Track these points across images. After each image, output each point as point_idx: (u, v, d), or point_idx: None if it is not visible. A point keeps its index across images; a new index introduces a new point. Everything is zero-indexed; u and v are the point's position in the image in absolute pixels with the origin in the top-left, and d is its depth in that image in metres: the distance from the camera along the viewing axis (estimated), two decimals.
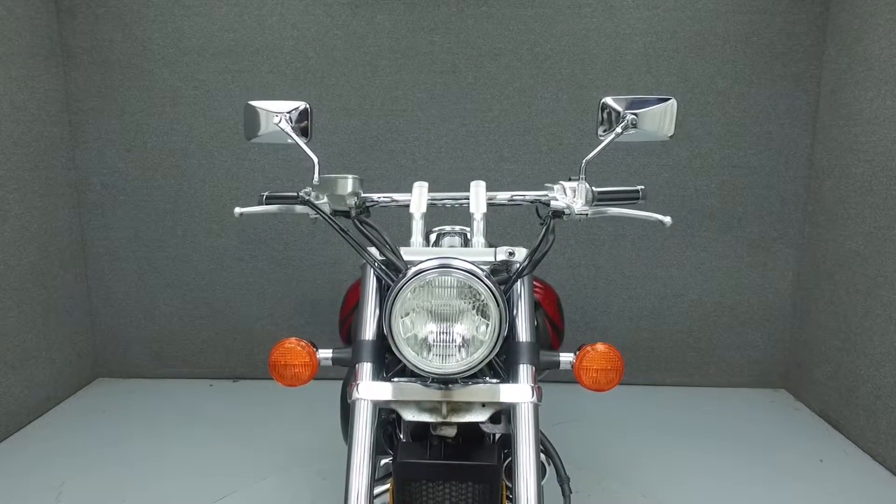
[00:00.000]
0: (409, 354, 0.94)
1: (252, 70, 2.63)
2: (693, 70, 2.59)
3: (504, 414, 1.09)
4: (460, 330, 0.94)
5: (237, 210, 1.23)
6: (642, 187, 1.19)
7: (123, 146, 2.71)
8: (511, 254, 1.08)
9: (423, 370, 0.95)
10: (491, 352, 0.93)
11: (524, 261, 1.06)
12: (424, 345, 0.94)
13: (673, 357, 2.85)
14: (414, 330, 0.94)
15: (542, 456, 1.11)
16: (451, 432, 1.03)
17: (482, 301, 0.93)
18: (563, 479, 1.13)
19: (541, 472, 0.97)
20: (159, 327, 2.88)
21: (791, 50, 2.56)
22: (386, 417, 1.23)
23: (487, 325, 0.93)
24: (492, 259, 1.07)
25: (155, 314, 2.87)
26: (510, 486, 1.08)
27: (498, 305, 0.92)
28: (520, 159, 2.68)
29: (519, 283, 1.08)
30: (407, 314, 0.94)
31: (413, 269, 0.93)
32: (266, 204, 1.23)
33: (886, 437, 2.19)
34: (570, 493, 1.13)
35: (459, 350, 0.94)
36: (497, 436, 1.15)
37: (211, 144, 2.71)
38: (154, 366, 2.91)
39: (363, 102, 2.65)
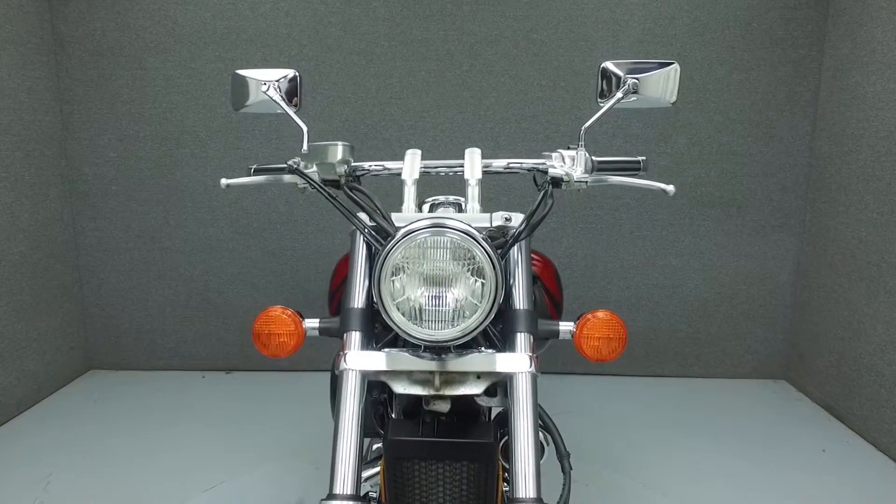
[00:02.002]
0: (400, 320, 0.90)
1: (246, 58, 2.60)
2: (692, 56, 2.55)
3: (500, 387, 1.04)
4: (454, 295, 0.89)
5: (224, 181, 1.19)
6: (643, 158, 1.15)
7: (115, 136, 2.68)
8: (507, 219, 1.04)
9: (415, 337, 0.90)
10: (486, 318, 0.89)
11: (521, 225, 1.01)
12: (416, 311, 0.90)
13: (671, 347, 2.81)
14: (405, 295, 0.90)
15: (541, 432, 1.07)
16: (444, 407, 0.98)
17: (477, 265, 0.88)
18: (562, 455, 1.09)
19: (539, 446, 0.93)
20: (151, 318, 2.84)
21: (791, 35, 2.53)
22: (377, 397, 1.19)
23: (483, 289, 0.89)
24: (487, 224, 1.03)
25: (147, 305, 2.83)
26: (507, 466, 1.04)
27: (494, 269, 0.88)
28: (516, 148, 2.64)
29: (516, 249, 1.04)
30: (397, 273, 0.89)
31: (404, 229, 0.89)
32: (254, 175, 1.19)
33: (890, 426, 2.15)
34: (571, 469, 1.08)
35: (453, 317, 0.89)
36: (494, 414, 1.11)
37: (204, 134, 2.67)
38: (146, 357, 2.88)
39: (358, 90, 2.61)
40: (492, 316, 0.89)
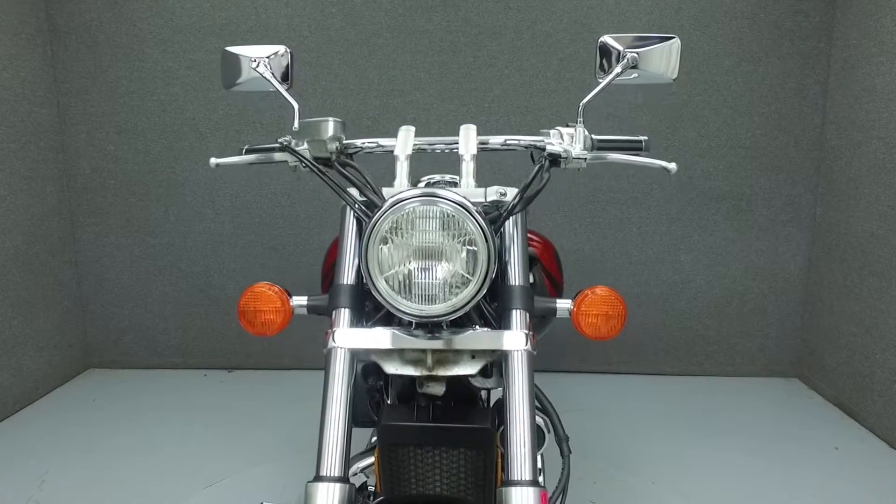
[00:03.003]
0: (388, 293, 0.86)
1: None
2: (698, 48, 2.51)
3: (497, 368, 1.00)
4: (445, 268, 0.85)
5: (213, 160, 1.15)
6: (646, 138, 1.12)
7: (114, 128, 2.64)
8: (503, 194, 1.00)
9: (405, 312, 0.87)
10: (478, 292, 0.85)
11: (515, 198, 0.98)
12: (406, 286, 0.86)
13: (681, 345, 2.76)
14: (394, 269, 0.86)
15: (540, 416, 1.03)
16: (438, 390, 0.94)
17: (470, 237, 0.85)
18: (561, 439, 1.05)
19: (536, 429, 0.88)
20: (152, 316, 2.80)
21: (799, 27, 2.48)
22: (373, 384, 1.15)
23: (475, 261, 0.85)
24: (482, 199, 0.99)
25: (147, 302, 2.79)
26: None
27: (486, 240, 0.84)
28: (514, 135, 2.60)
29: (511, 224, 1.00)
30: (386, 243, 0.85)
31: (394, 198, 0.85)
32: (245, 155, 1.15)
33: None
34: (570, 452, 1.04)
35: (444, 292, 0.86)
36: (492, 401, 1.06)
37: (204, 126, 2.63)
38: (147, 355, 2.83)
39: (360, 82, 2.57)
40: (484, 290, 0.86)
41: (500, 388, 1.06)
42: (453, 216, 0.84)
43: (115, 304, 2.79)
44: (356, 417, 1.11)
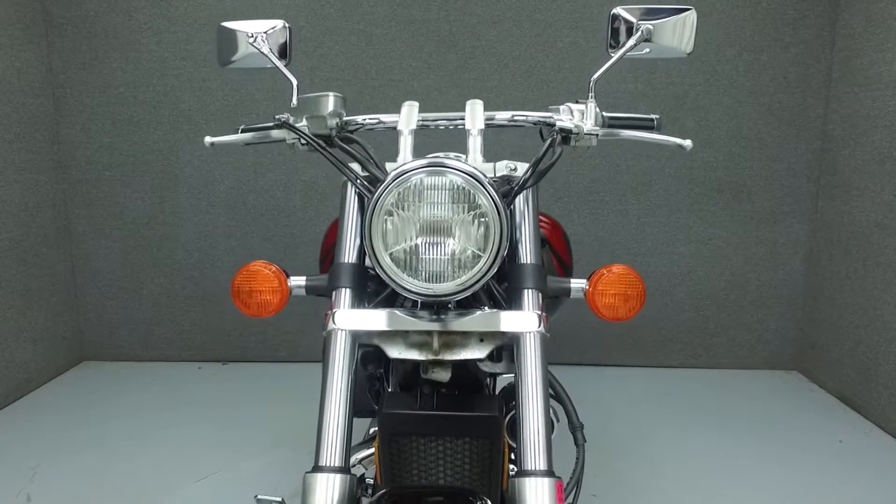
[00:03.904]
0: (393, 271, 0.81)
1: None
2: (700, 37, 2.48)
3: (506, 351, 0.95)
4: (453, 244, 0.80)
5: (207, 139, 1.12)
6: (657, 116, 1.07)
7: (109, 119, 2.62)
8: (513, 169, 0.96)
9: (410, 291, 0.81)
10: (489, 269, 0.80)
11: (526, 172, 0.93)
12: (412, 263, 0.81)
13: (680, 337, 2.73)
14: (399, 245, 0.81)
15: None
16: (444, 376, 0.89)
17: (480, 211, 0.79)
18: (575, 427, 1.00)
19: (549, 416, 0.84)
20: (146, 308, 2.77)
21: (802, 15, 2.45)
22: (373, 372, 1.11)
23: (487, 235, 0.80)
24: (491, 174, 0.95)
25: (142, 294, 2.76)
26: (514, 445, 0.95)
27: (498, 213, 0.79)
28: (519, 131, 2.57)
29: (521, 200, 0.95)
30: (390, 215, 0.80)
31: (400, 168, 0.81)
32: (241, 134, 1.12)
33: None
34: (584, 441, 1.00)
35: (452, 269, 0.80)
36: (499, 388, 1.02)
37: (199, 117, 2.61)
38: (141, 348, 2.81)
39: (357, 72, 2.55)
40: (495, 268, 0.81)
41: (507, 375, 1.02)
42: (463, 188, 0.79)
43: (110, 296, 2.76)
44: (356, 406, 1.07)
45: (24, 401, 2.42)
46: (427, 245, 0.80)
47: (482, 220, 0.80)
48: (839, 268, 2.44)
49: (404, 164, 0.82)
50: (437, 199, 0.80)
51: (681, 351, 2.74)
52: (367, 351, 1.07)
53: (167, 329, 2.79)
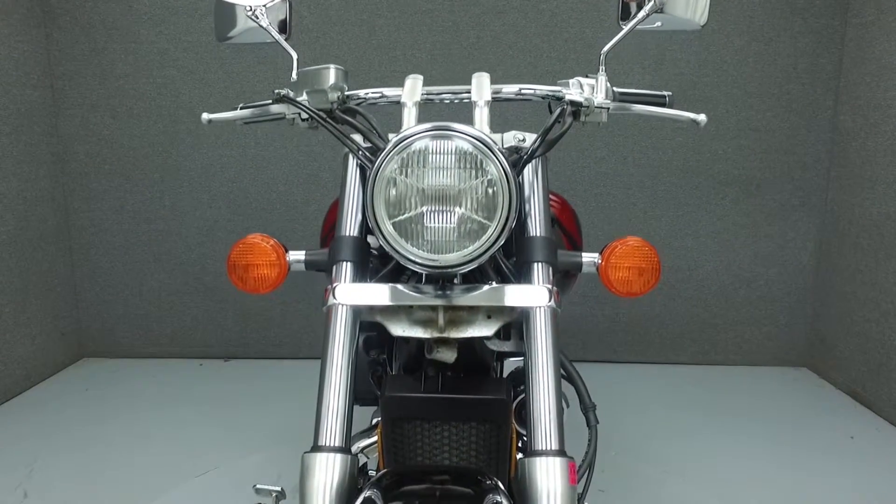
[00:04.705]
0: (396, 241, 0.77)
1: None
2: (708, 27, 2.42)
3: (515, 329, 0.91)
4: (460, 213, 0.76)
5: (205, 116, 1.09)
6: (669, 93, 1.04)
7: (108, 112, 2.58)
8: (521, 140, 0.93)
9: (414, 262, 0.77)
10: (498, 239, 0.76)
11: (536, 141, 0.89)
12: (415, 232, 0.77)
13: (687, 333, 2.69)
14: (402, 214, 0.76)
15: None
16: (450, 356, 0.84)
17: (488, 178, 0.75)
18: (587, 407, 0.97)
19: (561, 395, 0.80)
20: (147, 304, 2.74)
21: (812, 4, 2.41)
22: (375, 357, 1.07)
23: (495, 204, 0.76)
24: (498, 144, 0.92)
25: (142, 290, 2.73)
26: (522, 432, 0.92)
27: (507, 179, 0.75)
28: (525, 123, 2.53)
29: (531, 171, 0.92)
30: (393, 183, 0.76)
31: (403, 133, 0.77)
32: (240, 110, 1.08)
33: None
34: (597, 423, 0.96)
35: (459, 239, 0.76)
36: (507, 373, 0.99)
37: (200, 110, 2.55)
38: (142, 345, 2.77)
39: (360, 63, 2.51)
40: (503, 239, 0.76)
41: (515, 359, 0.98)
42: (471, 153, 0.75)
43: (110, 291, 2.73)
44: (357, 394, 1.03)
45: (23, 397, 2.39)
46: (432, 214, 0.76)
47: (490, 188, 0.76)
48: (849, 261, 2.40)
49: (409, 129, 0.78)
50: (443, 164, 0.75)
51: (688, 347, 2.70)
52: (370, 336, 1.04)
53: (168, 325, 2.75)
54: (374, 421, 1.23)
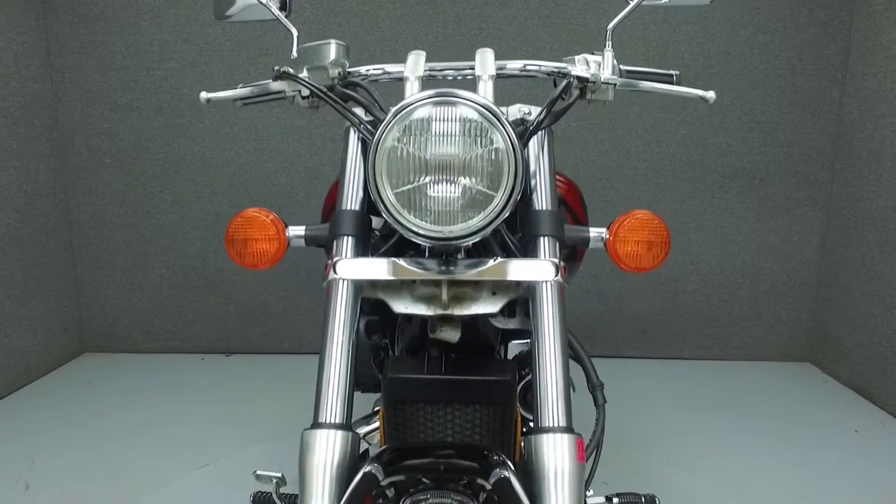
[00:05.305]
0: (398, 211, 0.74)
1: (243, 24, 2.48)
2: (713, 18, 2.42)
3: (521, 306, 0.89)
4: (464, 183, 0.73)
5: (203, 95, 1.07)
6: (677, 72, 1.02)
7: (109, 105, 2.57)
8: (527, 113, 0.92)
9: (416, 234, 0.75)
10: (503, 210, 0.74)
11: (541, 113, 0.88)
12: (418, 203, 0.74)
13: (690, 328, 2.68)
14: (404, 185, 0.74)
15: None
16: (453, 336, 0.82)
17: (493, 147, 0.73)
18: (595, 386, 0.96)
19: (568, 372, 0.77)
20: (148, 298, 2.73)
21: None
22: (377, 342, 1.06)
23: (500, 173, 0.73)
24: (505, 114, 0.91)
25: (144, 285, 2.72)
26: (528, 416, 0.90)
27: (514, 149, 0.73)
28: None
29: (536, 144, 0.90)
30: (395, 152, 0.74)
31: (406, 100, 0.74)
32: (240, 89, 1.07)
33: None
34: (605, 402, 0.95)
35: (462, 210, 0.74)
36: (511, 355, 0.98)
37: (201, 103, 2.55)
38: (143, 339, 2.76)
39: (362, 55, 2.49)
40: (507, 211, 0.74)
41: (521, 342, 0.97)
42: (475, 120, 0.73)
43: (111, 286, 2.72)
44: (358, 379, 1.02)
45: (24, 391, 2.38)
46: (435, 183, 0.74)
47: (495, 157, 0.74)
48: (854, 255, 2.39)
49: (411, 96, 0.75)
50: (447, 131, 0.73)
51: (691, 342, 2.69)
52: (371, 320, 1.03)
53: (170, 320, 2.75)
54: (376, 407, 1.22)
